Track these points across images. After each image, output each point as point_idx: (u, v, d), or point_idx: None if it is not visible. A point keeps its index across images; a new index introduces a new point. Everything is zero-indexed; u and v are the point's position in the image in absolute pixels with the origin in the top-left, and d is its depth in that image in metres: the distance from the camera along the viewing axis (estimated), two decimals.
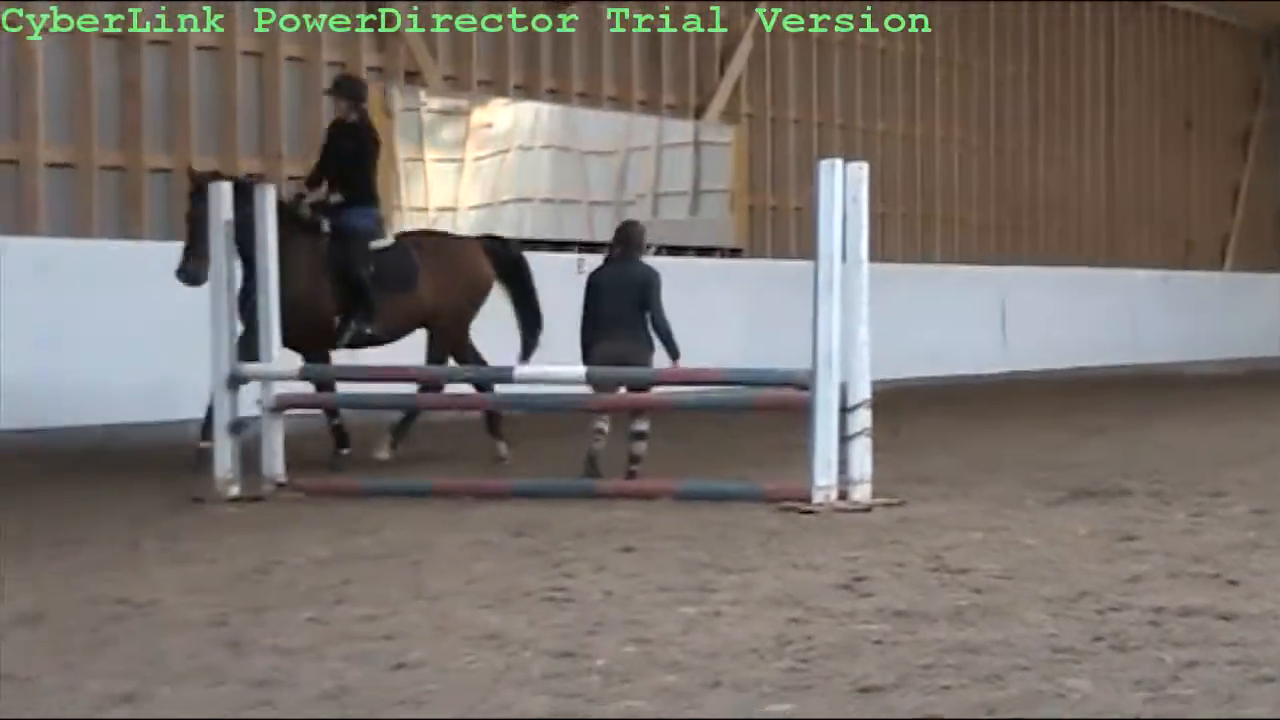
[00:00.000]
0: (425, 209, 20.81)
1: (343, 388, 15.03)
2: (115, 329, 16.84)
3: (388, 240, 14.27)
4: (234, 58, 19.14)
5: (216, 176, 13.32)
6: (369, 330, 13.85)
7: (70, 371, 16.11)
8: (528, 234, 21.97)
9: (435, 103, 21.53)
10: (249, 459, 13.07)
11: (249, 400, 13.35)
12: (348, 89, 14.69)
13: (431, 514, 11.85)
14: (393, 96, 20.63)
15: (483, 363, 14.36)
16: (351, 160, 14.07)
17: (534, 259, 21.95)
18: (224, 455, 12.72)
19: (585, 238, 22.92)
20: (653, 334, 13.60)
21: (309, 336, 13.60)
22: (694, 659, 7.04)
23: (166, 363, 16.14)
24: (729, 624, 7.84)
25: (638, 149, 24.15)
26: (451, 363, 14.46)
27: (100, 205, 17.83)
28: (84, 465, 14.99)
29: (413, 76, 21.08)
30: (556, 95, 23.29)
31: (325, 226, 13.93)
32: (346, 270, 13.67)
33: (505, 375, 13.64)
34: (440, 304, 14.26)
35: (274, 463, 12.83)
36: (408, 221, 20.87)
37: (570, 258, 21.62)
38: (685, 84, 25.18)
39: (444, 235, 15.76)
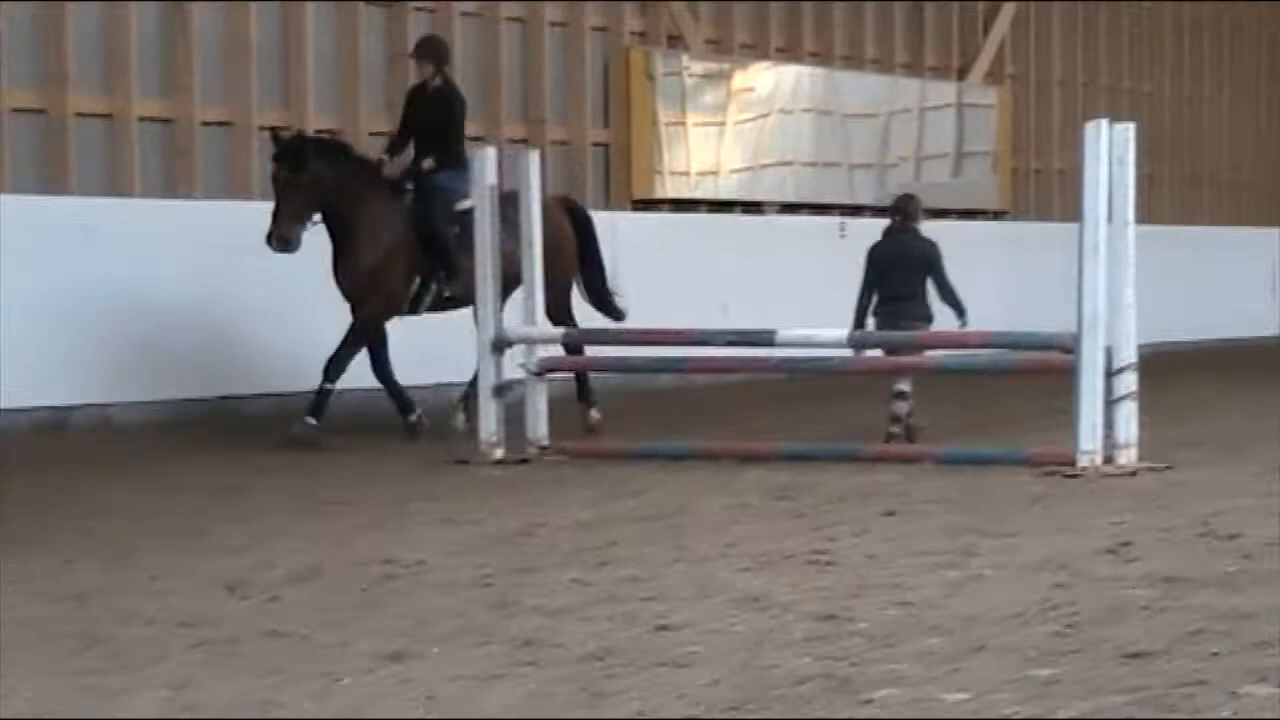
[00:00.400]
0: (686, 173, 20.95)
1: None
2: None
3: (470, 202, 13.40)
4: (498, 24, 19.38)
5: (300, 137, 13.67)
6: (448, 293, 13.64)
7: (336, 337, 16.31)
8: (789, 198, 22.10)
9: (697, 67, 21.65)
10: (513, 421, 13.18)
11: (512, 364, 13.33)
12: (431, 51, 14.20)
13: (694, 476, 11.92)
14: (655, 61, 20.82)
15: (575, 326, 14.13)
16: (439, 126, 13.77)
17: (795, 223, 22.13)
18: (489, 418, 12.90)
19: (846, 201, 22.89)
20: (931, 306, 13.82)
21: (385, 298, 13.53)
22: (956, 623, 7.02)
23: (426, 328, 16.25)
24: (992, 588, 7.82)
25: (900, 112, 24.08)
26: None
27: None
28: (350, 429, 15.36)
29: (674, 41, 21.27)
30: (818, 58, 23.38)
31: (409, 187, 13.72)
32: (428, 227, 13.48)
33: (767, 338, 13.37)
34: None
35: (538, 426, 12.95)
36: (670, 187, 21.07)
37: (831, 221, 21.67)
38: (948, 46, 25.11)
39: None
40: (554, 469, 12.56)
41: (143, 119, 16.08)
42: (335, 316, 14.38)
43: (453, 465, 12.69)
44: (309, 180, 12.96)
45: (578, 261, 14.51)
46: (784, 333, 13.19)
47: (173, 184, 16.40)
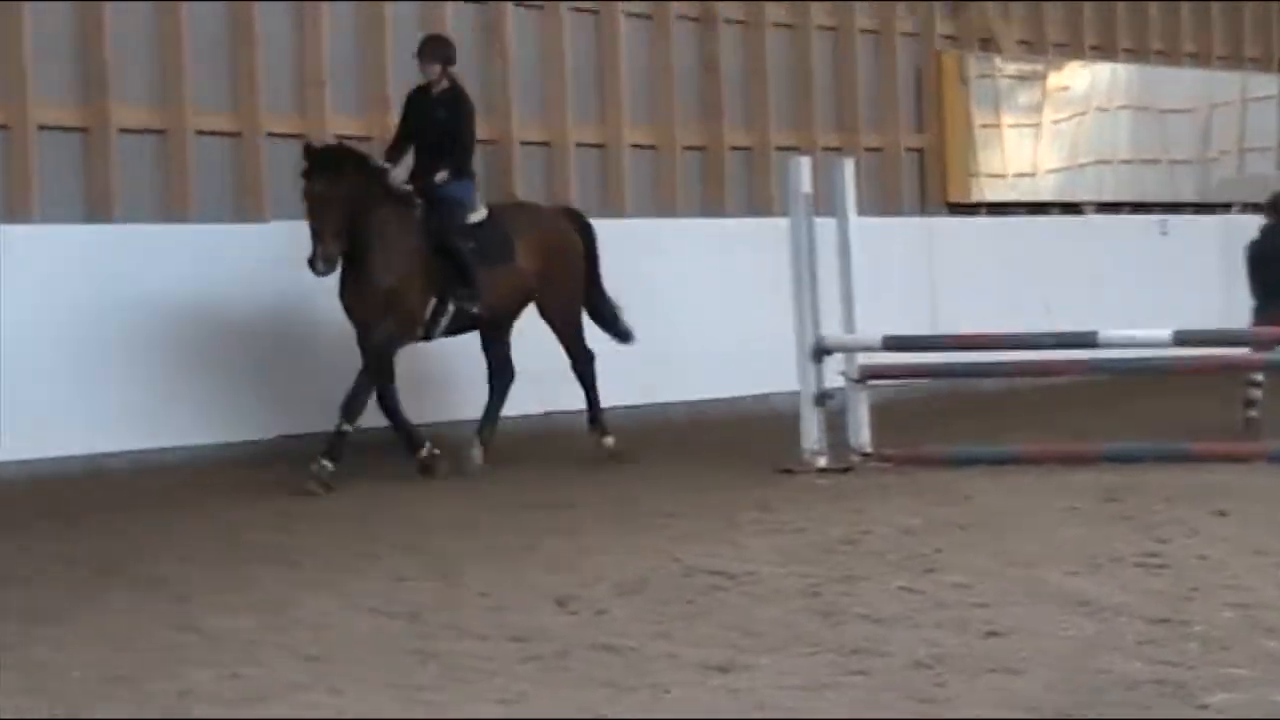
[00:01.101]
0: (1003, 175, 20.85)
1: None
2: (699, 303, 17.27)
3: (480, 213, 12.86)
4: (809, 33, 19.40)
5: (336, 149, 12.76)
6: (474, 309, 12.63)
7: (657, 345, 16.49)
8: (1108, 196, 21.82)
9: (1010, 68, 21.54)
10: (835, 430, 13.07)
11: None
12: (438, 51, 13.12)
13: (1018, 480, 11.85)
14: (968, 64, 20.77)
15: (586, 351, 13.36)
16: (450, 133, 12.79)
17: (1115, 222, 21.75)
18: (810, 427, 12.84)
19: (1167, 199, 22.50)
20: None
21: (401, 322, 12.46)
22: None
23: (747, 336, 16.54)
24: None
25: (1220, 105, 23.68)
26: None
27: (684, 184, 18.35)
28: (674, 440, 15.43)
29: (986, 43, 21.22)
30: (1133, 55, 23.06)
31: (417, 199, 12.68)
32: (445, 241, 12.50)
33: (1089, 340, 13.19)
34: (542, 276, 13.06)
35: (860, 433, 12.92)
36: (986, 190, 20.99)
37: (1151, 219, 21.26)
38: (1268, 37, 24.54)
39: (528, 205, 14.27)
40: (877, 476, 12.48)
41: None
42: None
43: (776, 475, 12.62)
44: (346, 193, 12.06)
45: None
46: (1106, 333, 13.05)
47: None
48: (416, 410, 13.18)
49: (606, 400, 15.23)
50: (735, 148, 18.60)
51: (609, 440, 13.20)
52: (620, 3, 16.88)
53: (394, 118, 14.21)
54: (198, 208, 14.65)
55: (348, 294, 12.28)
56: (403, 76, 15.01)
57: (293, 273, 13.72)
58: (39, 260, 12.84)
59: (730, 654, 6.71)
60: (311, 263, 11.77)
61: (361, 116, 15.47)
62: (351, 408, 12.08)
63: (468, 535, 10.38)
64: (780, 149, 18.06)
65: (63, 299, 12.96)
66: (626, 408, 15.90)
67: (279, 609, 7.95)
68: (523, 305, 13.01)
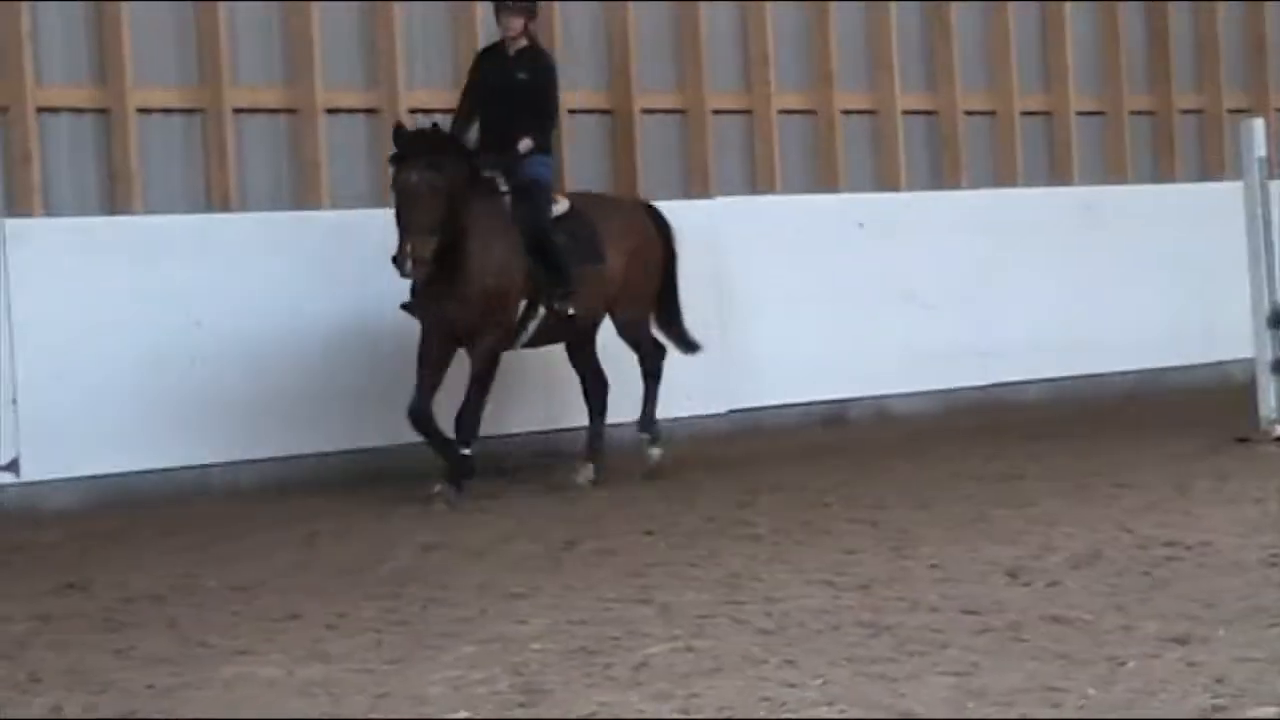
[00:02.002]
0: None
1: None
2: (1153, 270, 17.02)
3: (563, 204, 11.37)
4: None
5: (431, 133, 10.82)
6: (571, 310, 10.97)
7: (1104, 318, 16.36)
8: None
9: None
10: None
11: None
12: (525, 3, 11.34)
13: None
14: None
15: (660, 355, 11.83)
16: (536, 99, 11.12)
17: None
18: (1268, 395, 12.60)
19: None
20: None
21: (505, 328, 10.89)
22: None
23: (1199, 302, 16.25)
24: None
25: None
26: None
27: (1132, 150, 18.04)
28: (1119, 410, 15.27)
29: None
30: None
31: (502, 184, 11.06)
32: (539, 234, 10.92)
33: None
34: (628, 280, 11.51)
35: None
36: None
37: None
38: None
39: (608, 197, 12.63)
40: None
41: (907, 112, 16.36)
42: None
43: (1231, 444, 12.37)
44: (445, 184, 10.44)
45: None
46: None
47: (939, 175, 16.65)
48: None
49: (1043, 370, 15.43)
50: (1185, 111, 18.24)
51: (656, 451, 11.62)
52: None
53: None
54: (647, 184, 14.67)
55: (440, 296, 10.63)
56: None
57: (735, 244, 14.04)
58: None
59: (1188, 626, 6.57)
60: (399, 262, 10.24)
61: (805, 90, 15.45)
62: (469, 426, 10.69)
63: (917, 508, 10.34)
64: (1232, 111, 17.61)
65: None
66: (1072, 378, 15.78)
67: (735, 582, 8.04)
68: (608, 310, 11.52)
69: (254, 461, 11.61)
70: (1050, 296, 16.02)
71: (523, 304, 10.89)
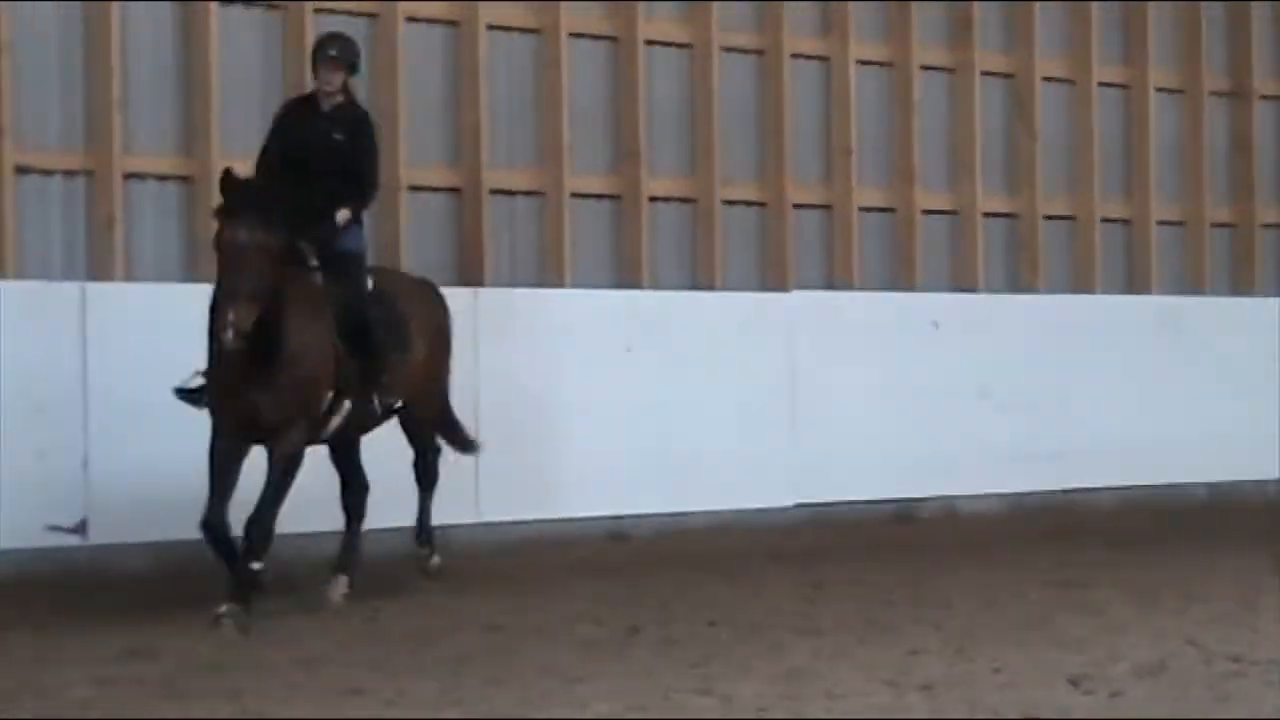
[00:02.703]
0: None
1: None
2: (1230, 382, 16.85)
3: (369, 280, 10.02)
4: None
5: (263, 185, 9.38)
6: (396, 404, 9.88)
7: (1179, 425, 16.31)
8: None
9: None
10: None
11: None
12: (348, 52, 9.95)
13: None
14: None
15: (438, 456, 10.59)
16: (354, 161, 9.69)
17: None
18: None
19: None
20: None
21: (313, 423, 9.44)
22: None
23: (1275, 418, 16.14)
24: None
25: None
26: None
27: (1211, 260, 17.92)
28: (1190, 522, 15.02)
29: None
30: None
31: (312, 258, 9.57)
32: (355, 317, 9.53)
33: None
34: (429, 370, 10.32)
35: None
36: None
37: None
38: None
39: (400, 274, 11.27)
40: None
41: (987, 214, 16.28)
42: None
43: None
44: (273, 246, 8.90)
45: None
46: None
47: (1017, 277, 16.55)
48: None
49: (1115, 477, 15.22)
50: (1267, 225, 18.18)
51: (436, 560, 10.44)
52: (1151, 75, 16.60)
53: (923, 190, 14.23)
54: (726, 275, 14.77)
55: (248, 384, 9.06)
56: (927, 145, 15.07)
57: (811, 338, 13.93)
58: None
59: None
60: (217, 332, 8.77)
61: (886, 187, 15.47)
62: (263, 535, 9.19)
63: (983, 610, 10.20)
64: None
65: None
66: (1144, 487, 15.68)
67: (796, 677, 7.95)
68: (409, 402, 10.18)
69: (320, 534, 11.60)
70: (1125, 403, 15.98)
71: (329, 395, 9.47)
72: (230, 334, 8.50)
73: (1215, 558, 12.58)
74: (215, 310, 8.68)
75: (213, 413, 9.14)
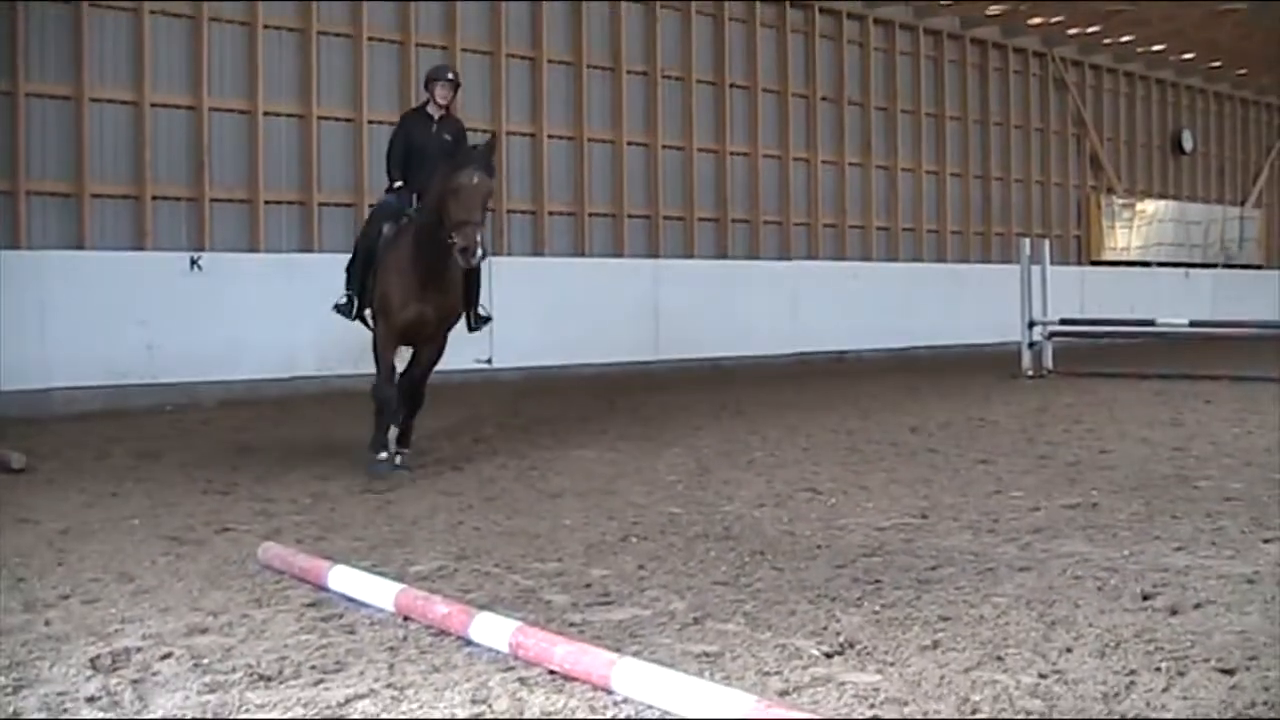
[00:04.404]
0: (1114, 248, 29.00)
1: None
2: (979, 304, 21.63)
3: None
4: (1048, 188, 24.87)
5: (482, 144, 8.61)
6: (486, 317, 9.35)
7: (971, 320, 20.55)
8: (1160, 258, 29.77)
9: (1118, 201, 29.01)
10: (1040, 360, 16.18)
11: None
12: (457, 78, 9.43)
13: (1120, 384, 14.52)
14: (1101, 199, 27.18)
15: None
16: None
17: (1159, 271, 28.95)
18: (1025, 357, 16.39)
19: (1184, 259, 29.95)
20: None
21: (447, 326, 9.01)
22: None
23: (999, 316, 19.84)
24: None
25: (1214, 221, 31.90)
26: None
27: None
28: (958, 362, 17.61)
29: (1110, 190, 27.50)
30: (1169, 196, 30.98)
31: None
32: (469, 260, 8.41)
33: (1150, 322, 16.26)
34: None
35: (1048, 360, 16.39)
36: (1108, 254, 28.84)
37: (1179, 271, 29.04)
38: (1244, 183, 32.07)
39: None
40: (1055, 380, 15.50)
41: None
42: None
43: (1008, 378, 15.54)
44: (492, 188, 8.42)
45: None
46: (1161, 318, 16.64)
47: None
48: None
49: (930, 341, 19.57)
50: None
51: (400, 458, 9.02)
52: None
53: None
54: None
55: (427, 301, 8.70)
56: None
57: None
58: None
59: (982, 455, 8.43)
60: (470, 252, 8.12)
61: None
62: (420, 401, 9.21)
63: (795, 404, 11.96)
64: (1020, 235, 22.67)
65: None
66: (933, 346, 20.11)
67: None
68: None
69: None
70: (942, 313, 20.45)
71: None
72: (480, 254, 8.05)
73: (968, 377, 15.55)
74: (469, 235, 7.96)
75: (385, 316, 8.62)
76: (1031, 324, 16.82)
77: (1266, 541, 5.89)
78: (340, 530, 6.59)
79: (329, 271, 10.09)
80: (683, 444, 9.92)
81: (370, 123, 16.69)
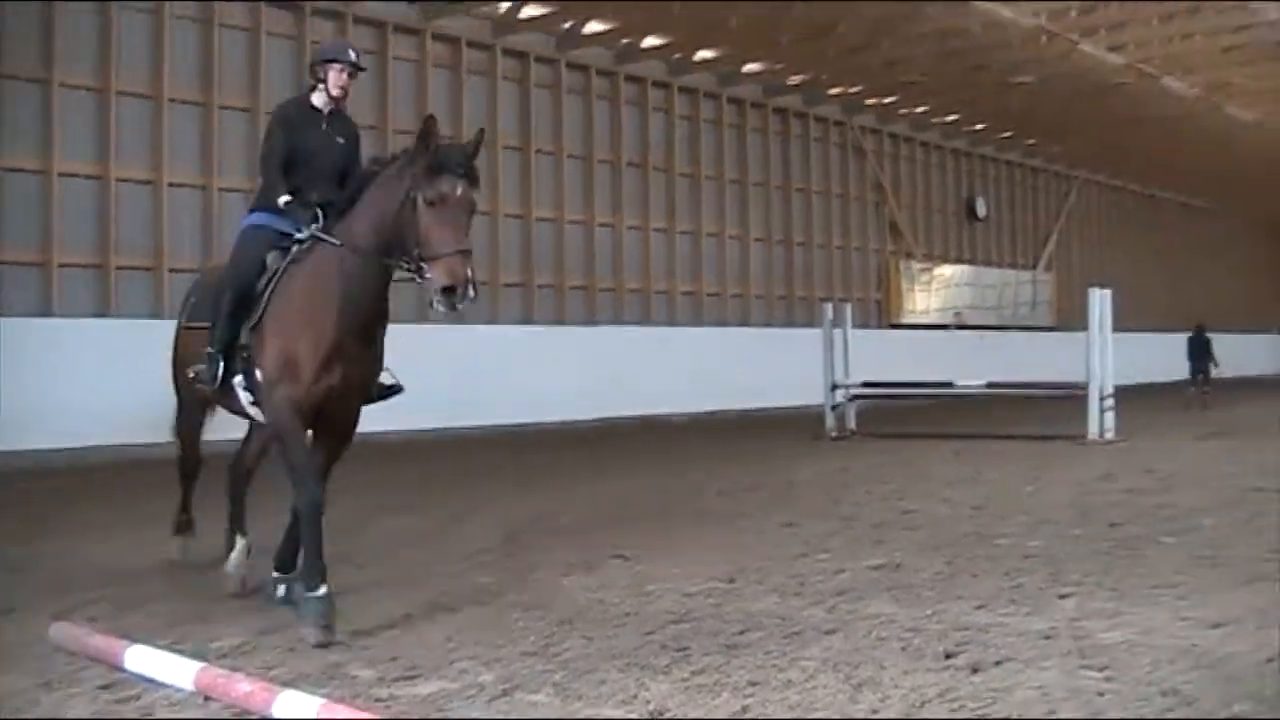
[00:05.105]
0: (914, 311, 30.26)
1: None
2: (787, 369, 21.97)
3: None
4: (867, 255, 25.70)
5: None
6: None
7: (769, 380, 21.05)
8: (959, 321, 30.64)
9: (916, 265, 30.06)
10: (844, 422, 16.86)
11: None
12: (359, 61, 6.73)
13: (916, 445, 15.22)
14: (900, 264, 28.85)
15: None
16: (348, 171, 6.73)
17: (961, 334, 29.78)
18: (829, 419, 17.03)
19: (979, 322, 31.12)
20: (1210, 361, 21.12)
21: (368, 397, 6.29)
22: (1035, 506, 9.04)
23: (808, 379, 20.50)
24: (1051, 488, 10.17)
25: (1008, 285, 33.63)
26: None
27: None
28: (767, 424, 18.02)
29: (909, 254, 28.52)
30: (968, 260, 32.71)
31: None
32: None
33: (949, 384, 17.01)
34: None
35: (851, 422, 17.06)
36: (907, 317, 30.14)
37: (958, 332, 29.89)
38: (1036, 250, 34.76)
39: None
40: (858, 442, 16.02)
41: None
42: None
43: (813, 440, 16.06)
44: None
45: None
46: (958, 381, 17.46)
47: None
48: None
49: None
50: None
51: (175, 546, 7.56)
52: None
53: None
54: None
55: (354, 362, 6.12)
56: None
57: None
58: None
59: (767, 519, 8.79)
60: (456, 292, 5.69)
61: None
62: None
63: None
64: (823, 299, 23.09)
65: None
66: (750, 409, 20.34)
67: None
68: None
69: None
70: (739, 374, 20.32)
71: None
72: (474, 291, 5.72)
73: (778, 437, 15.89)
74: (455, 268, 5.63)
75: (292, 382, 5.99)
76: (834, 386, 17.32)
77: (1062, 597, 6.12)
78: (138, 607, 6.41)
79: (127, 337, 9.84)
80: (491, 509, 9.94)
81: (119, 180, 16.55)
